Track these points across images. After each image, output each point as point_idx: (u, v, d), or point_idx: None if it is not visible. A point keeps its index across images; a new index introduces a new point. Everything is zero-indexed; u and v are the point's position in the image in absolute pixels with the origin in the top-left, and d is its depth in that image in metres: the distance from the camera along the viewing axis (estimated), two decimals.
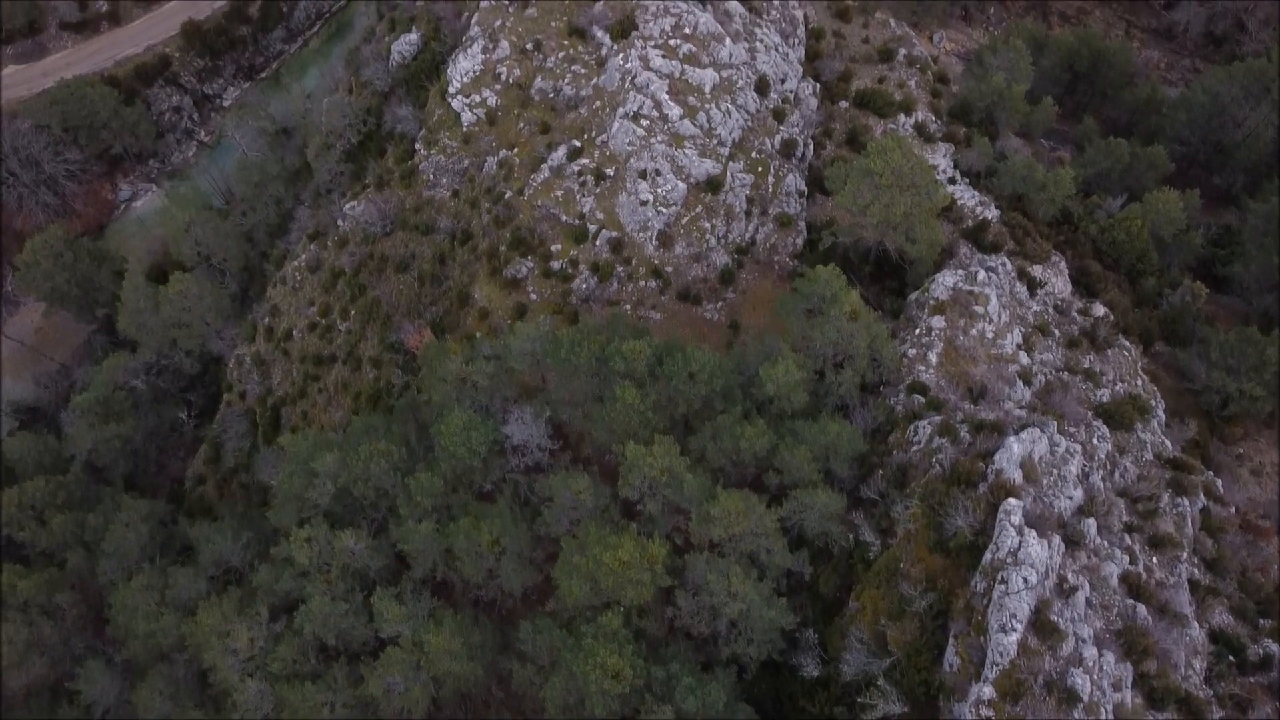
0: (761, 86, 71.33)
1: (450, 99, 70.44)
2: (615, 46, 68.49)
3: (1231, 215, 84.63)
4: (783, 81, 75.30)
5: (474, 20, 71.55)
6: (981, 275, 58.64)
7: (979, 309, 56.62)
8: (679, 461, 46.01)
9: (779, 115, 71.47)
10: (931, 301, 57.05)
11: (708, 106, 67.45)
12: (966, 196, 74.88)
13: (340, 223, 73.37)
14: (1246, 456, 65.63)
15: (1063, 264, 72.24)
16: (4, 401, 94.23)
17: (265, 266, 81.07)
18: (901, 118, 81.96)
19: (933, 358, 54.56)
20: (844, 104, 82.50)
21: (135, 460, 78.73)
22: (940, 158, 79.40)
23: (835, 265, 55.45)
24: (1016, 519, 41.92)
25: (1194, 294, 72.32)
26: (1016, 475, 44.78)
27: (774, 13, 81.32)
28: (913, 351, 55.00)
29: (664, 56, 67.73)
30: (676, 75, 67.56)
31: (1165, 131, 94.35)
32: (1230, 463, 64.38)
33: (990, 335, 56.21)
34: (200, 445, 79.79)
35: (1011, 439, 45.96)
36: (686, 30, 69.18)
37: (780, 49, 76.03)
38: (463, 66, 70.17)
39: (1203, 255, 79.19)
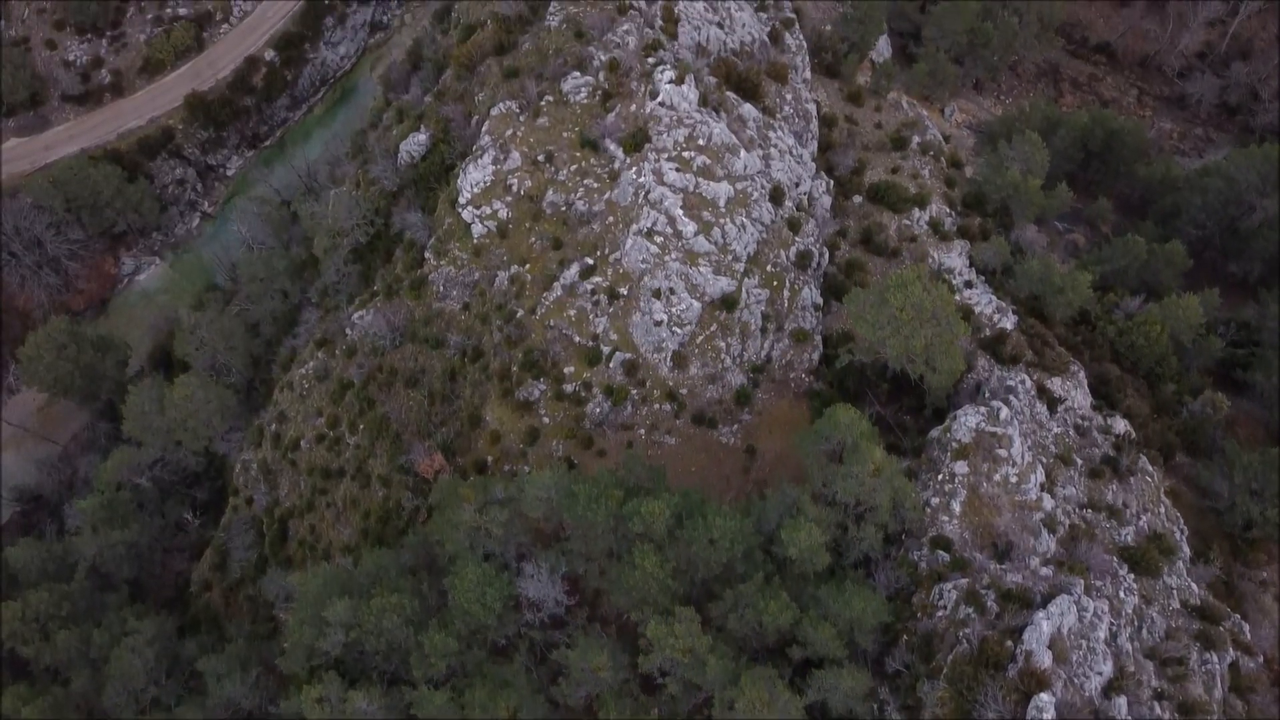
0: (776, 196, 70.29)
1: (460, 209, 69.37)
2: (628, 160, 67.40)
3: (1251, 309, 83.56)
4: (796, 185, 74.29)
5: (484, 129, 70.45)
6: (1004, 413, 57.50)
7: (1002, 452, 55.56)
8: (701, 641, 44.97)
9: (794, 226, 70.43)
10: (954, 444, 55.96)
11: (722, 221, 66.37)
12: (984, 301, 73.90)
13: (348, 331, 72.30)
14: (1271, 581, 64.61)
15: (1081, 374, 71.23)
16: (5, 487, 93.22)
17: (272, 366, 79.97)
18: (916, 212, 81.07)
19: (956, 507, 53.51)
20: (858, 199, 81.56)
21: (140, 563, 77.65)
22: (956, 257, 78.49)
23: (856, 410, 54.17)
24: (1049, 715, 40.91)
25: (1215, 406, 71.32)
26: (1046, 659, 43.79)
27: (787, 108, 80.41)
28: (936, 500, 53.94)
29: (678, 170, 66.61)
30: (691, 189, 66.47)
31: (1181, 213, 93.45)
32: (1255, 590, 63.39)
33: (1014, 480, 55.14)
34: (206, 547, 78.66)
35: (1040, 616, 44.96)
36: (700, 142, 68.06)
37: (794, 151, 74.99)
38: (473, 177, 69.07)
39: (1222, 356, 78.08)
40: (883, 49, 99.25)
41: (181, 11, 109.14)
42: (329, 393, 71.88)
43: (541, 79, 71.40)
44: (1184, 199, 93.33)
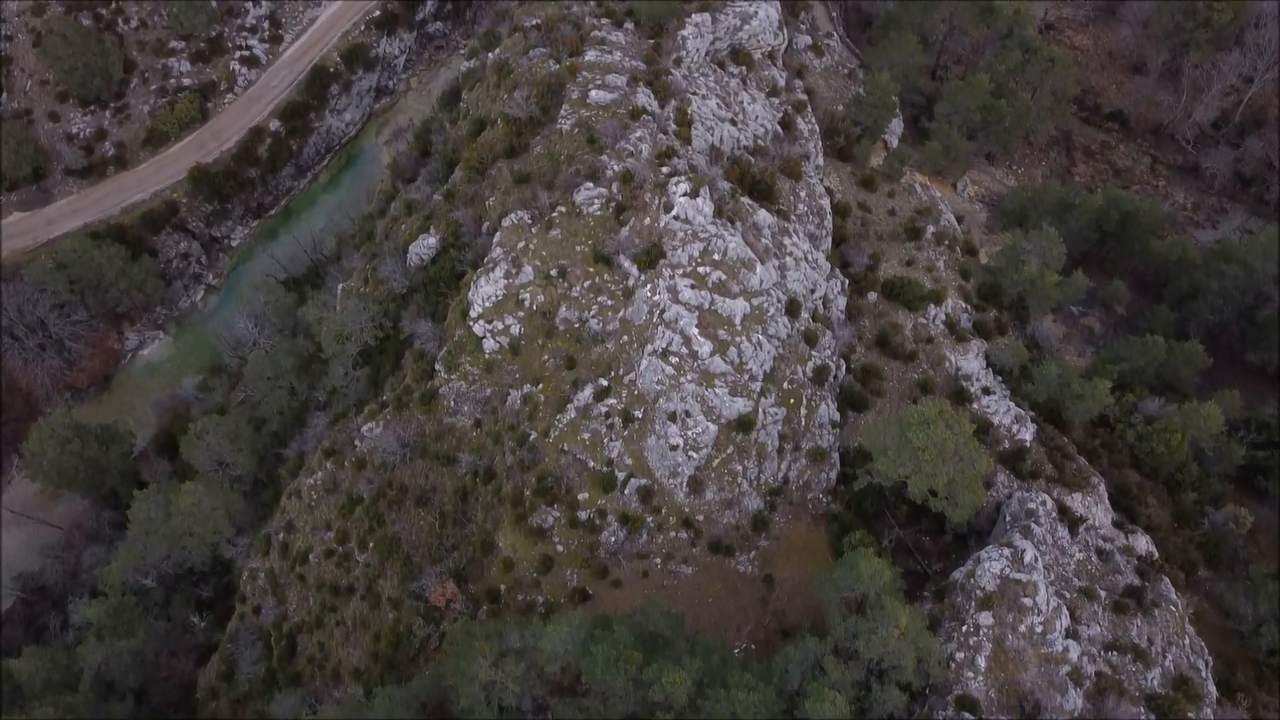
0: (792, 308, 69.25)
1: (472, 323, 68.22)
2: (642, 277, 66.27)
3: (1270, 407, 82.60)
4: (812, 292, 73.24)
5: (496, 240, 69.30)
6: (1029, 555, 56.45)
7: (1027, 600, 54.49)
8: None
9: (810, 340, 69.36)
10: (978, 592, 54.87)
11: (738, 340, 65.24)
12: (1001, 410, 72.77)
13: (358, 443, 71.18)
14: None
15: (1102, 487, 70.17)
16: (7, 574, 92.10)
17: (279, 465, 78.90)
18: (932, 309, 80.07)
19: (981, 662, 52.43)
20: (873, 296, 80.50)
21: (145, 670, 76.52)
22: (973, 359, 77.42)
23: (878, 559, 53.10)
24: None
25: (1237, 521, 70.27)
26: None
27: (801, 206, 79.47)
28: (960, 655, 52.86)
29: (693, 287, 65.49)
30: (706, 306, 65.36)
31: (1197, 296, 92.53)
32: None
33: (1039, 629, 54.05)
34: (212, 650, 77.58)
35: None
36: (716, 256, 66.95)
37: (809, 257, 73.93)
38: (485, 291, 67.91)
39: (1244, 461, 77.03)
40: (894, 126, 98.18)
41: (185, 81, 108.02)
42: (338, 506, 70.78)
43: (554, 188, 70.31)
44: (1201, 281, 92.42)
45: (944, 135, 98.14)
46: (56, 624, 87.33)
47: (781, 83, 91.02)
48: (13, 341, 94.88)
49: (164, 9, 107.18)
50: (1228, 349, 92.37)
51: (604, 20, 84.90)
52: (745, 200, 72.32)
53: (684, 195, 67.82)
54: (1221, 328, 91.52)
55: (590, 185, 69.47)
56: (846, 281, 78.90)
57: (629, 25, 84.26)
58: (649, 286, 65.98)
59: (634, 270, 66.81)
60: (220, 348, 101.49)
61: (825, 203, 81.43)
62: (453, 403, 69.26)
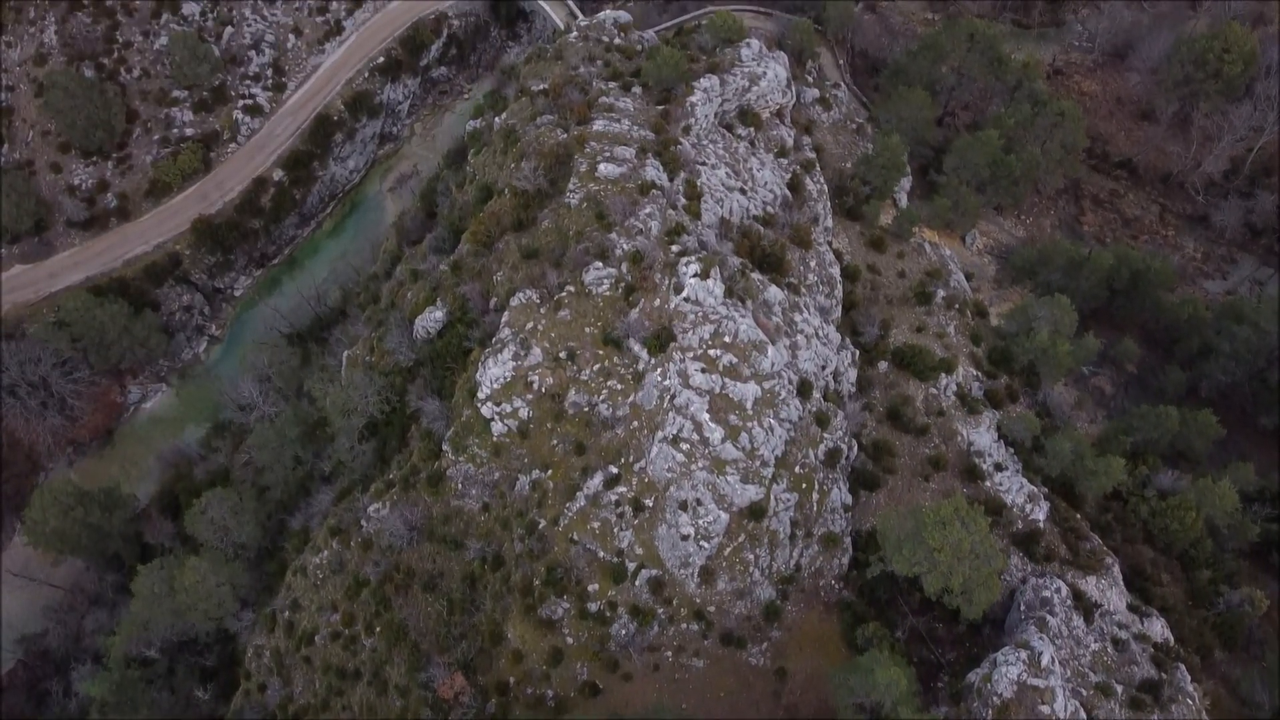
0: (804, 389, 68.43)
1: (480, 404, 67.44)
2: (652, 361, 65.48)
3: None
4: (824, 368, 72.51)
5: (504, 320, 68.53)
6: (1045, 657, 55.67)
7: (1045, 708, 53.71)
8: None
9: (822, 421, 68.57)
10: (995, 699, 54.08)
11: (750, 425, 64.35)
12: (1014, 489, 72.05)
13: (364, 524, 70.44)
14: None
15: (1116, 569, 69.49)
16: (8, 637, 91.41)
17: (283, 542, 78.16)
18: (943, 379, 79.32)
19: None
20: (883, 365, 79.80)
21: None
22: (984, 432, 76.69)
23: (895, 667, 52.37)
24: None
25: (1252, 603, 69.58)
26: None
27: (811, 276, 78.72)
28: None
29: (704, 371, 64.66)
30: (717, 391, 64.50)
31: (1208, 356, 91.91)
32: None
33: None
34: None
35: None
36: (726, 339, 66.06)
37: (820, 332, 73.20)
38: (493, 372, 67.11)
39: (1258, 538, 76.37)
40: (903, 182, 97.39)
41: (188, 131, 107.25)
42: (344, 587, 70.03)
43: (562, 267, 69.54)
44: (1212, 341, 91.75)
45: (953, 190, 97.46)
46: (59, 690, 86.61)
47: (790, 142, 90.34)
48: (14, 400, 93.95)
49: (166, 59, 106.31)
50: (1239, 409, 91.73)
51: (611, 84, 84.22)
52: (755, 276, 71.54)
53: (694, 276, 67.01)
54: (1233, 389, 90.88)
55: (599, 265, 68.69)
56: (857, 352, 78.13)
57: (636, 90, 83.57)
58: (659, 371, 65.18)
59: (644, 354, 66.00)
60: (223, 403, 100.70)
61: (835, 270, 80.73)
62: (460, 485, 68.53)
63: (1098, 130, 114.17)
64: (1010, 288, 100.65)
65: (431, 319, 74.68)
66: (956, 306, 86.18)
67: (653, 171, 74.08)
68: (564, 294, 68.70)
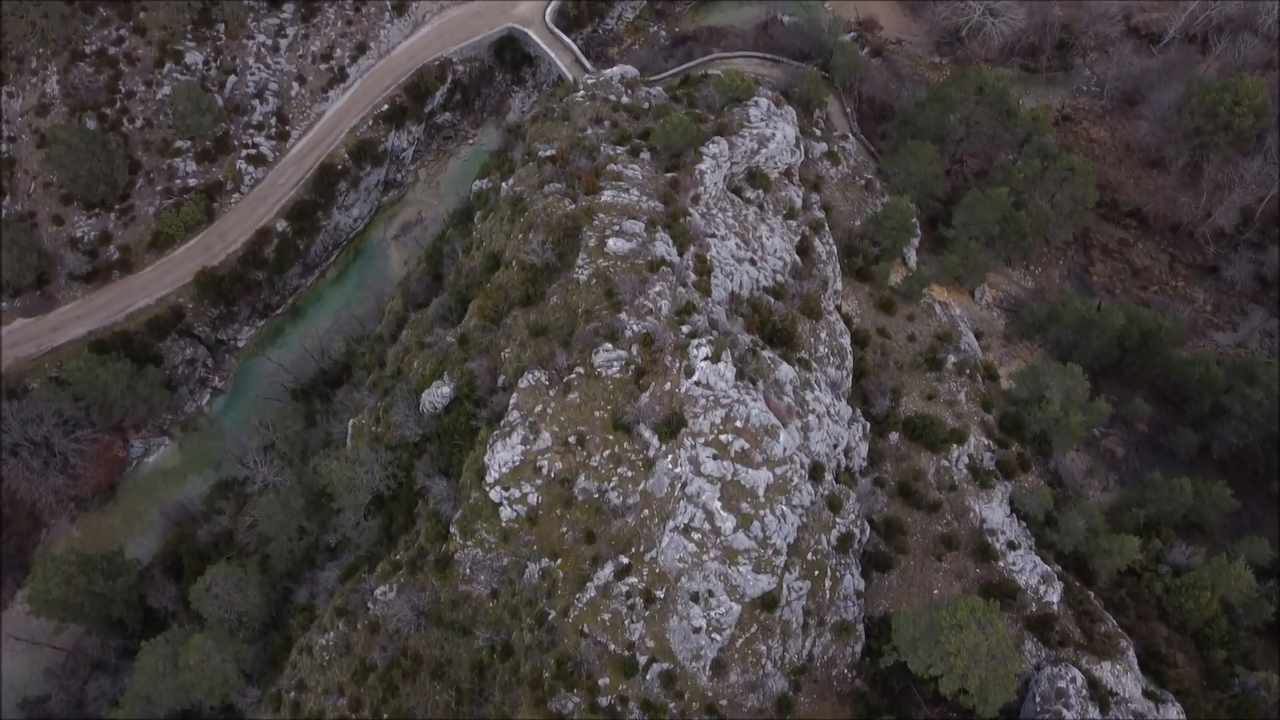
0: (816, 473, 67.66)
1: (488, 488, 66.67)
2: (663, 447, 64.73)
3: None
4: (835, 447, 71.81)
5: (513, 403, 67.73)
6: None
7: None
8: None
9: (834, 505, 67.84)
10: None
11: (762, 513, 63.60)
12: (1027, 569, 71.29)
13: (371, 606, 69.67)
14: None
15: (1131, 652, 68.74)
16: (11, 695, 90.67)
17: (288, 616, 77.40)
18: (955, 449, 78.64)
19: None
20: (894, 437, 79.09)
21: None
22: (997, 507, 76.02)
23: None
24: None
25: (1268, 687, 68.84)
26: None
27: (822, 348, 78.00)
28: None
29: (715, 457, 63.92)
30: (729, 478, 63.77)
31: (1220, 417, 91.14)
32: None
33: None
34: None
35: None
36: (738, 423, 65.33)
37: (832, 410, 72.48)
38: (502, 457, 66.33)
39: (1273, 617, 75.62)
40: (912, 241, 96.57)
41: (191, 182, 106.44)
42: (350, 670, 69.27)
43: (571, 348, 68.73)
44: (1224, 401, 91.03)
45: (962, 247, 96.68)
46: None
47: (798, 202, 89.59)
48: (16, 460, 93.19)
49: (169, 109, 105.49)
50: (1251, 472, 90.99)
51: (619, 149, 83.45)
52: (767, 355, 70.82)
53: (705, 360, 66.28)
54: (1246, 451, 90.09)
55: (609, 347, 67.93)
56: (868, 425, 77.47)
57: (645, 155, 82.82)
58: (670, 458, 64.44)
59: (655, 440, 65.24)
60: (226, 458, 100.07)
61: (845, 340, 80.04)
62: (469, 570, 67.77)
63: (1106, 178, 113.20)
64: (1020, 343, 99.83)
65: (438, 394, 73.90)
66: (967, 372, 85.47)
67: (662, 247, 73.32)
68: (573, 376, 67.94)
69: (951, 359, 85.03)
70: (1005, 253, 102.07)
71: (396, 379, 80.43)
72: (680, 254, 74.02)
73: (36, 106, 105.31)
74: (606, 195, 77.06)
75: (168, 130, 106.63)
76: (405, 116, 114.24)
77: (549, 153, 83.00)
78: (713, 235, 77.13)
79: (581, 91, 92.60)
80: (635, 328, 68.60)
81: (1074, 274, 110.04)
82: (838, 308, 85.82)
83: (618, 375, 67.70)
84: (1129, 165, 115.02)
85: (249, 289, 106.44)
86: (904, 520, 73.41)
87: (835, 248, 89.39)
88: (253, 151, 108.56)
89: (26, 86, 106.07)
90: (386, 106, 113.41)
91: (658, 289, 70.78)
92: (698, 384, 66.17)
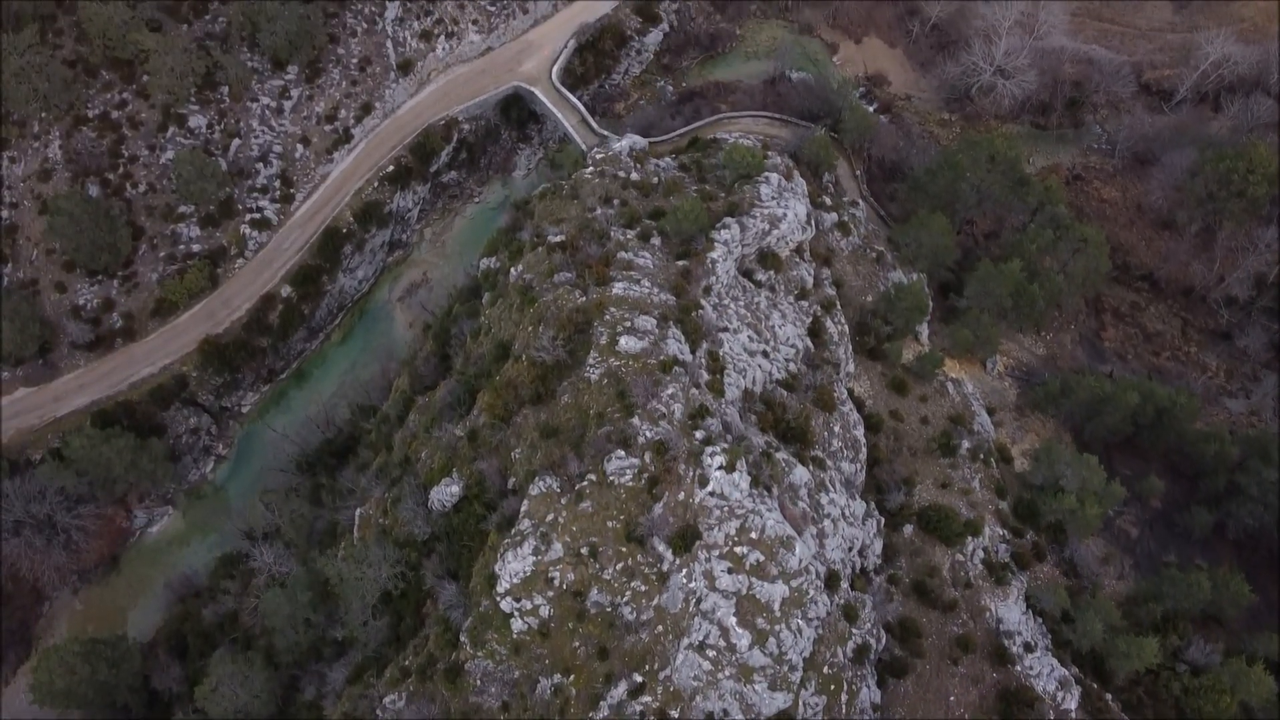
0: (831, 581, 66.84)
1: (499, 598, 65.71)
2: (677, 561, 63.78)
3: None
4: (850, 549, 70.91)
5: (524, 511, 66.79)
6: None
7: None
8: None
9: (850, 615, 66.96)
10: None
11: (777, 628, 62.64)
12: (1045, 672, 70.51)
13: (379, 713, 68.69)
14: None
15: None
16: None
17: (293, 711, 76.38)
18: (970, 543, 77.80)
19: None
20: (908, 530, 78.18)
21: None
22: (1013, 605, 75.23)
23: None
24: None
25: None
26: None
27: (836, 442, 77.06)
28: None
29: (730, 571, 63.01)
30: (744, 592, 62.85)
31: (1235, 495, 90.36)
32: None
33: None
34: None
35: None
36: (753, 535, 64.37)
37: (847, 512, 71.57)
38: (513, 567, 65.41)
39: None
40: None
41: (195, 248, 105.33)
42: None
43: (583, 453, 67.76)
44: (1240, 480, 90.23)
45: (974, 320, 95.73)
46: None
47: (810, 281, 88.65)
48: (18, 538, 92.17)
49: (173, 173, 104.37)
50: (1267, 553, 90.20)
51: (630, 234, 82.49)
52: (780, 456, 69.90)
53: (719, 469, 65.39)
54: (1263, 532, 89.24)
55: (622, 454, 66.92)
56: (882, 520, 76.54)
57: (656, 241, 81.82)
58: (684, 572, 63.51)
59: (668, 554, 64.29)
60: (230, 533, 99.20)
61: (859, 432, 79.07)
62: (479, 681, 66.70)
63: (1118, 239, 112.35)
64: (1032, 414, 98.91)
65: (447, 493, 72.93)
66: (981, 457, 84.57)
67: (674, 345, 72.31)
68: (585, 483, 66.97)
69: (965, 444, 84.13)
70: (1018, 324, 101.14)
71: (404, 469, 79.44)
72: (693, 351, 73.04)
73: (39, 172, 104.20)
74: (618, 288, 76.06)
75: (171, 195, 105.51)
76: (410, 177, 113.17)
77: (558, 238, 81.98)
78: (725, 329, 76.21)
79: (590, 168, 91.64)
80: (648, 434, 67.62)
81: (1086, 339, 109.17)
82: (850, 390, 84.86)
83: (630, 483, 66.70)
84: (1141, 226, 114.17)
85: (253, 356, 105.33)
86: (919, 621, 72.52)
87: (847, 327, 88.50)
88: (257, 216, 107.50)
89: (29, 151, 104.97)
90: (392, 167, 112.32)
91: (670, 391, 69.79)
92: (712, 494, 65.25)
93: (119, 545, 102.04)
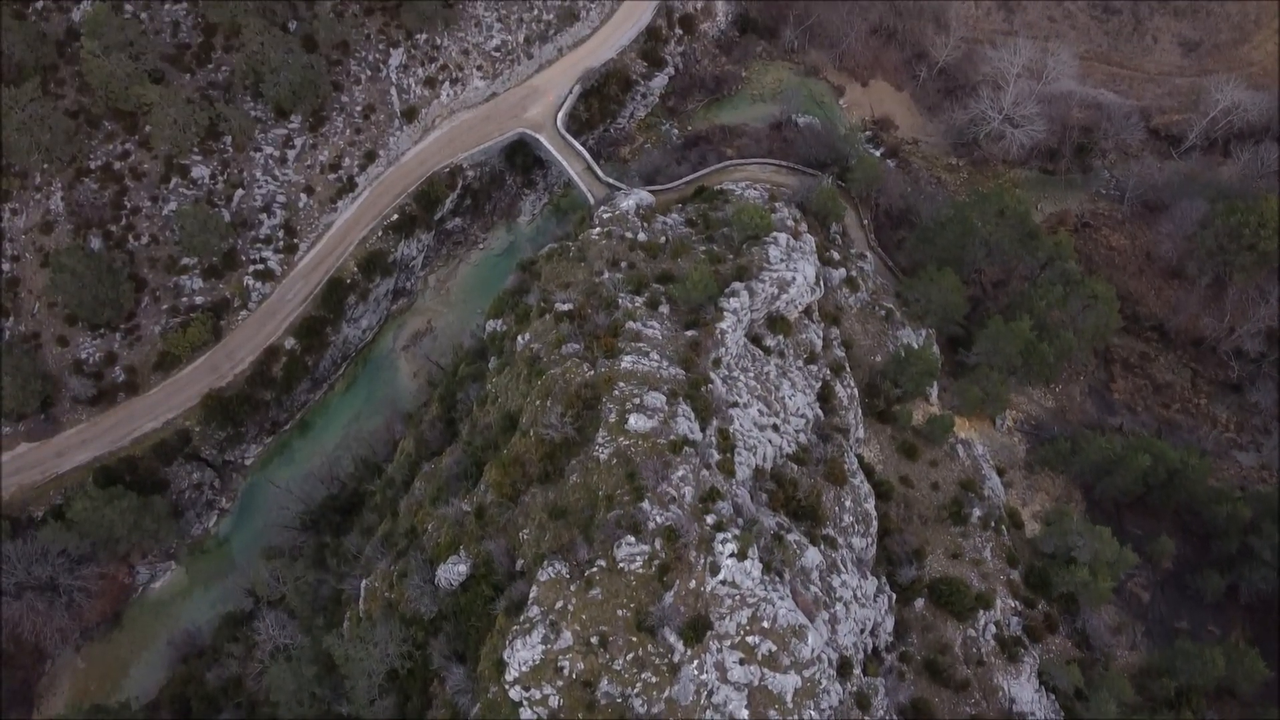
0: (844, 668, 66.09)
1: (508, 686, 64.91)
2: (688, 652, 62.99)
3: None
4: (862, 631, 70.16)
5: (533, 597, 65.97)
6: None
7: None
8: None
9: (863, 704, 66.18)
10: None
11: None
12: None
13: None
14: None
15: None
16: None
17: None
18: (981, 617, 77.07)
19: None
20: (919, 604, 77.45)
21: None
22: (1025, 682, 74.55)
23: None
24: None
25: None
26: None
27: (847, 517, 76.31)
28: None
29: (742, 662, 62.26)
30: (756, 683, 62.12)
31: (1247, 559, 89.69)
32: None
33: None
34: None
35: None
36: (765, 624, 63.66)
37: (859, 593, 70.81)
38: (522, 655, 64.51)
39: None
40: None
41: (198, 300, 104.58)
42: None
43: (592, 538, 66.96)
44: (1252, 543, 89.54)
45: (983, 377, 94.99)
46: None
47: (819, 343, 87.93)
48: (18, 600, 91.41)
49: (176, 225, 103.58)
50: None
51: (638, 300, 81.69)
52: (792, 538, 69.24)
53: (731, 556, 64.64)
54: (1275, 596, 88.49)
55: (632, 540, 66.07)
56: (894, 596, 75.78)
57: (664, 308, 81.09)
58: (695, 663, 62.68)
59: (679, 645, 63.46)
60: (234, 588, 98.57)
61: (870, 505, 78.29)
62: None
63: (1127, 288, 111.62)
64: (1042, 471, 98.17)
65: (455, 572, 72.13)
66: (992, 525, 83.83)
67: (684, 423, 71.46)
68: (594, 570, 66.15)
69: (976, 512, 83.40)
70: (1027, 380, 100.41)
71: (410, 540, 78.65)
72: (703, 429, 72.23)
73: (40, 224, 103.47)
74: (626, 361, 75.26)
75: (174, 247, 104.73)
76: (415, 224, 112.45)
77: (566, 306, 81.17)
78: (735, 404, 75.40)
79: (597, 229, 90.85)
80: (659, 519, 66.80)
81: (1095, 391, 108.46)
82: (860, 458, 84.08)
83: (641, 570, 65.88)
84: (1150, 275, 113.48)
85: (256, 409, 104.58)
86: (932, 702, 71.82)
87: (856, 390, 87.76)
88: (260, 267, 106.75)
89: (30, 204, 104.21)
90: (396, 215, 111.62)
91: (680, 473, 68.98)
92: (724, 583, 64.51)
93: (121, 602, 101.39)
